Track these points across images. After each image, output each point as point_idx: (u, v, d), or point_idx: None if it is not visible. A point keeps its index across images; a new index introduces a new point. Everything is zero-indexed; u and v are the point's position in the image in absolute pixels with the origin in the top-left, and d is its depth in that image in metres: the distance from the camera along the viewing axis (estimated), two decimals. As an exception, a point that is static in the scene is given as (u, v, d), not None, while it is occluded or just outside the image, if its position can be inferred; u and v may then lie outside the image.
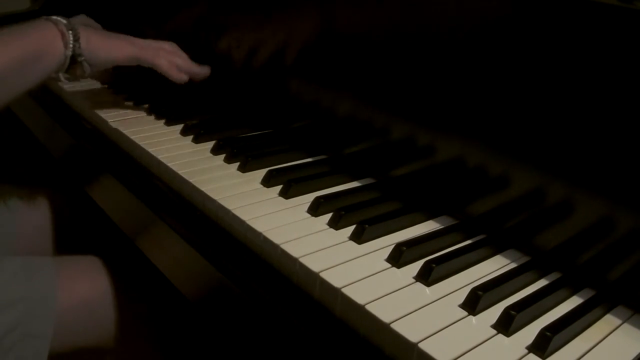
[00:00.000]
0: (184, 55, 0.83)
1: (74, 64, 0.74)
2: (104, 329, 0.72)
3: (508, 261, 0.54)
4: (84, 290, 0.71)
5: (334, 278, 0.49)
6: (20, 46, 0.69)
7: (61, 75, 0.75)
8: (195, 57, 0.84)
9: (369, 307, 0.45)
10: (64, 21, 0.73)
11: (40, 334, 0.65)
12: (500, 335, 0.44)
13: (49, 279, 0.68)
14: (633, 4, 0.45)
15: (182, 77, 0.81)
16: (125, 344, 0.74)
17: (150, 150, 0.71)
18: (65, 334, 0.67)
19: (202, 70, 0.84)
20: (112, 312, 0.72)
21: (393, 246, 0.53)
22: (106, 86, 0.97)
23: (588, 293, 0.51)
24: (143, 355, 0.76)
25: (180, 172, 0.66)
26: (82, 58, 0.73)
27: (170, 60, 0.81)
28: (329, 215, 0.58)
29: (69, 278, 0.70)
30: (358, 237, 0.55)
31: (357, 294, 0.47)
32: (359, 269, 0.50)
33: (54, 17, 0.74)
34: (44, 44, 0.71)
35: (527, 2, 0.52)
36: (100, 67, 0.78)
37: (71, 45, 0.72)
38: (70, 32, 0.72)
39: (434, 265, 0.50)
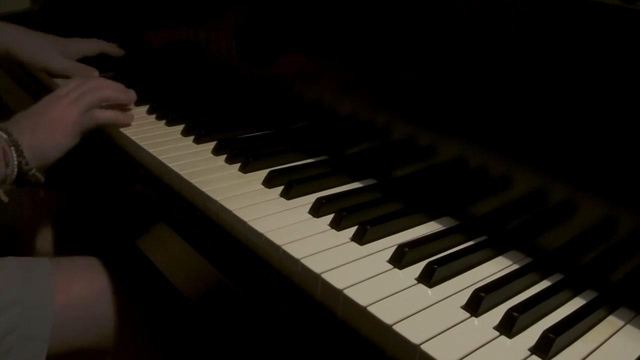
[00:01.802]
0: (107, 86, 0.79)
1: (25, 177, 0.67)
2: (102, 329, 0.72)
3: (510, 262, 0.54)
4: (81, 290, 0.71)
5: (336, 279, 0.48)
6: None
7: (1, 193, 0.66)
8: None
9: (371, 309, 0.45)
10: (4, 136, 0.65)
11: (38, 336, 0.64)
12: (503, 337, 0.44)
13: (46, 280, 0.67)
14: (633, 4, 0.45)
15: (128, 122, 0.78)
16: (124, 344, 0.73)
17: (151, 150, 0.71)
18: (63, 335, 0.67)
19: (127, 96, 0.81)
20: (111, 312, 0.72)
21: (395, 247, 0.53)
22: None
23: (591, 294, 0.50)
24: (142, 357, 0.76)
25: (181, 173, 0.66)
26: (33, 170, 0.67)
27: (110, 111, 0.77)
28: (330, 216, 0.58)
29: (66, 279, 0.70)
30: (360, 238, 0.54)
31: (359, 295, 0.47)
32: (361, 270, 0.50)
33: None
34: None
35: (527, 2, 0.52)
36: (55, 161, 0.72)
37: (16, 162, 0.65)
38: (13, 148, 0.65)
39: (436, 266, 0.49)
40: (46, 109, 0.73)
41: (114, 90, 0.79)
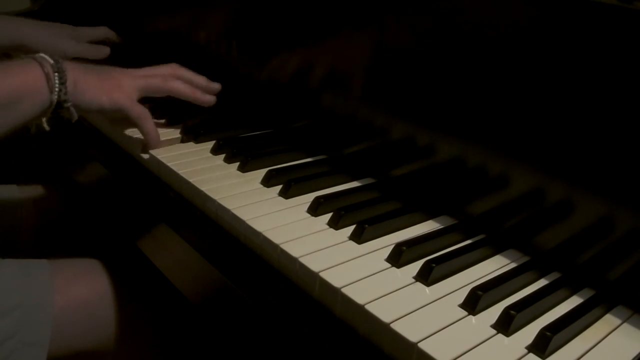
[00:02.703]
0: (190, 76, 0.78)
1: (59, 109, 0.67)
2: (102, 332, 0.71)
3: (508, 261, 0.54)
4: (81, 293, 0.70)
5: (334, 278, 0.49)
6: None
7: (44, 121, 0.68)
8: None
9: (368, 307, 0.45)
10: (51, 61, 0.66)
11: (38, 341, 0.64)
12: (500, 335, 0.44)
13: (45, 283, 0.67)
14: (633, 4, 0.45)
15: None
16: (124, 347, 0.73)
17: (150, 150, 0.71)
18: (63, 338, 0.67)
19: (202, 97, 0.78)
20: (111, 314, 0.72)
21: (393, 246, 0.53)
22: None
23: (588, 293, 0.51)
24: (143, 358, 0.76)
25: (180, 172, 0.66)
26: (69, 104, 0.67)
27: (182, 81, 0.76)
28: (328, 215, 0.58)
29: (66, 281, 0.69)
30: (358, 237, 0.55)
31: (357, 294, 0.47)
32: (359, 269, 0.50)
33: (40, 55, 0.66)
34: (26, 87, 0.64)
35: (526, 2, 0.52)
36: (90, 113, 0.73)
37: (57, 89, 0.65)
38: (56, 74, 0.65)
39: (433, 265, 0.50)
40: (113, 69, 0.74)
41: (186, 86, 0.77)
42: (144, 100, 0.79)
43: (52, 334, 0.65)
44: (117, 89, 0.72)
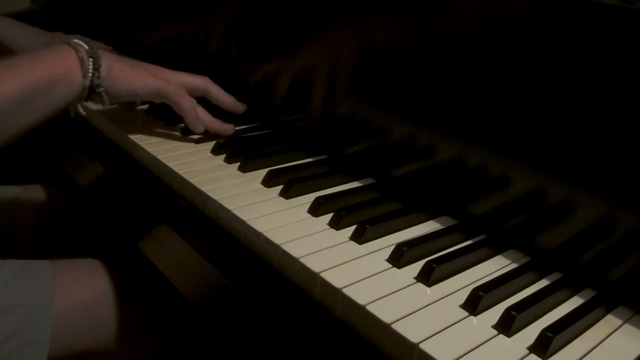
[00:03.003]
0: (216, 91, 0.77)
1: (92, 94, 0.68)
2: (103, 333, 0.71)
3: (509, 261, 0.54)
4: (82, 293, 0.70)
5: (335, 278, 0.48)
6: (34, 74, 0.62)
7: (79, 107, 0.69)
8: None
9: (369, 308, 0.45)
10: (85, 46, 0.67)
11: (38, 342, 0.64)
12: (501, 336, 0.44)
13: (46, 284, 0.67)
14: (633, 4, 0.45)
15: (197, 128, 0.74)
16: (125, 348, 0.73)
17: (151, 150, 0.71)
18: (64, 338, 0.67)
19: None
20: (113, 315, 0.71)
21: (394, 246, 0.53)
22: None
23: (589, 293, 0.51)
24: (144, 359, 0.76)
25: (180, 172, 0.66)
26: (102, 89, 0.67)
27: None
28: (329, 216, 0.58)
29: (67, 281, 0.69)
30: (359, 237, 0.55)
31: (358, 294, 0.47)
32: (360, 269, 0.50)
33: (75, 41, 0.67)
34: (61, 72, 0.65)
35: (526, 2, 0.52)
36: (121, 99, 0.73)
37: (90, 74, 0.66)
38: (91, 59, 0.66)
39: (434, 265, 0.50)
40: (150, 65, 0.74)
41: (220, 92, 0.77)
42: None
43: (53, 335, 0.65)
44: (151, 76, 0.72)
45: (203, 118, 0.75)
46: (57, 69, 0.64)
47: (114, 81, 0.68)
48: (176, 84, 0.73)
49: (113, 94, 0.69)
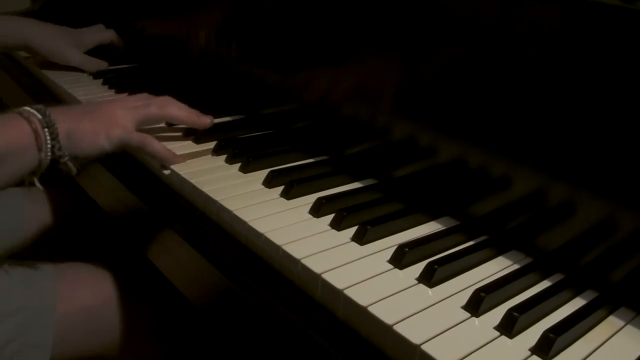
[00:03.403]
0: (181, 105, 0.73)
1: (56, 165, 0.62)
2: (106, 337, 0.71)
3: (511, 262, 0.54)
4: (85, 297, 0.70)
5: (336, 279, 0.48)
6: None
7: (36, 181, 0.62)
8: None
9: (371, 309, 0.45)
10: (39, 115, 0.60)
11: (40, 344, 0.64)
12: (503, 337, 0.44)
13: (48, 287, 0.67)
14: (634, 4, 0.45)
15: (174, 160, 0.69)
16: (128, 352, 0.73)
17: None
18: (67, 343, 0.67)
19: (198, 119, 0.73)
20: (116, 319, 0.71)
21: (395, 247, 0.53)
22: (107, 86, 0.97)
23: (591, 294, 0.50)
24: None
25: (181, 173, 0.66)
26: (66, 158, 0.61)
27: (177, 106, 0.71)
28: (331, 216, 0.58)
29: (70, 285, 0.69)
30: (360, 238, 0.54)
31: (360, 296, 0.47)
32: (361, 270, 0.50)
33: (27, 109, 0.60)
34: (12, 144, 0.58)
35: (529, 3, 0.52)
36: (91, 159, 0.67)
37: (49, 146, 0.60)
38: (46, 129, 0.60)
39: (436, 266, 0.49)
40: (103, 104, 0.68)
41: (182, 110, 0.72)
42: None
43: (55, 338, 0.65)
44: (113, 125, 0.66)
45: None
46: (6, 143, 0.58)
47: (79, 144, 0.63)
48: (134, 122, 0.68)
49: (80, 157, 0.64)
